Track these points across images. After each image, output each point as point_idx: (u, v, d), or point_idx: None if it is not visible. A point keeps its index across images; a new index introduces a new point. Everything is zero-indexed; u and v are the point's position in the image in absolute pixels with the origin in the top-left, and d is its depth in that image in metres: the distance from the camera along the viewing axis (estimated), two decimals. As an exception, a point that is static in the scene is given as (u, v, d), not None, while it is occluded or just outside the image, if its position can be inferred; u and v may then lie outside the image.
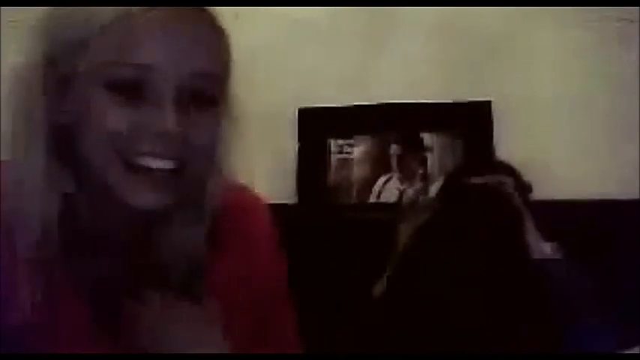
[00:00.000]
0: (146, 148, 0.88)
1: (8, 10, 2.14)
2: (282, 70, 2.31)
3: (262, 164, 2.30)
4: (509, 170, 1.72)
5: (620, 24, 2.06)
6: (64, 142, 0.91)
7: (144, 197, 0.89)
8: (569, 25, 2.15)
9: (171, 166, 0.89)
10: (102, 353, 0.95)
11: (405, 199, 2.18)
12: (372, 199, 2.28)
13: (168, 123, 0.87)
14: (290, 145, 2.33)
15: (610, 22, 2.08)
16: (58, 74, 0.90)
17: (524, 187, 1.70)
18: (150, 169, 0.89)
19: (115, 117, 0.88)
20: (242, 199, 1.07)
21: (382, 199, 2.28)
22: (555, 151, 2.15)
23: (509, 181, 1.67)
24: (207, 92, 0.91)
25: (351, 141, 2.30)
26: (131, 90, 0.88)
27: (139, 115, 0.88)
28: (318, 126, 2.33)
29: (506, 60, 2.22)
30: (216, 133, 0.94)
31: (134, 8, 0.88)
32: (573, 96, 2.17)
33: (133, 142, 0.88)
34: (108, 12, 0.88)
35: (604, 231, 1.98)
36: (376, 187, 2.29)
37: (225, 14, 0.94)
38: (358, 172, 2.29)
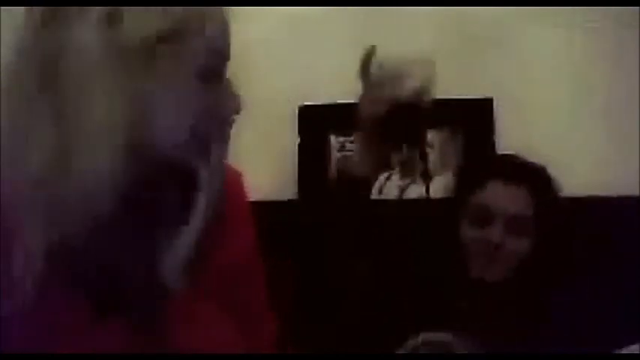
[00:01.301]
0: None
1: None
2: (283, 66, 2.31)
3: (263, 161, 2.30)
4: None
5: (621, 24, 2.06)
6: None
7: None
8: (570, 24, 2.16)
9: None
10: (102, 353, 0.94)
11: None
12: (374, 196, 2.28)
13: (233, 104, 1.04)
14: (291, 141, 2.33)
15: (610, 21, 2.08)
16: None
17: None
18: None
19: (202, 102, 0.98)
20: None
21: (383, 196, 2.28)
22: (556, 148, 2.15)
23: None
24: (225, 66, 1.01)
25: (352, 138, 2.30)
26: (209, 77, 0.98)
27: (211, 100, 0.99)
28: (318, 122, 2.33)
29: (507, 57, 2.22)
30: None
31: None
32: (574, 93, 2.17)
33: None
34: None
35: (604, 228, 1.98)
36: (377, 184, 2.29)
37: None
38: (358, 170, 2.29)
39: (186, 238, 0.97)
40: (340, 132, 2.32)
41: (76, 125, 0.90)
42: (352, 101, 2.34)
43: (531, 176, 1.65)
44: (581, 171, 2.11)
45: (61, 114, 0.90)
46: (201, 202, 0.97)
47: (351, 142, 2.30)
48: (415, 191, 2.27)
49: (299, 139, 2.33)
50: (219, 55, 0.98)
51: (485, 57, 2.22)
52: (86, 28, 0.89)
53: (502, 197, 1.62)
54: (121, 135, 0.91)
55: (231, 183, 1.08)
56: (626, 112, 2.11)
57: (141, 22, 0.91)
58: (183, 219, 0.97)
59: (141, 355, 0.95)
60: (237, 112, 1.00)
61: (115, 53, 0.90)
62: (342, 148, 2.32)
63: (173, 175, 0.98)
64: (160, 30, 0.91)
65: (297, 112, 2.34)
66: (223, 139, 1.01)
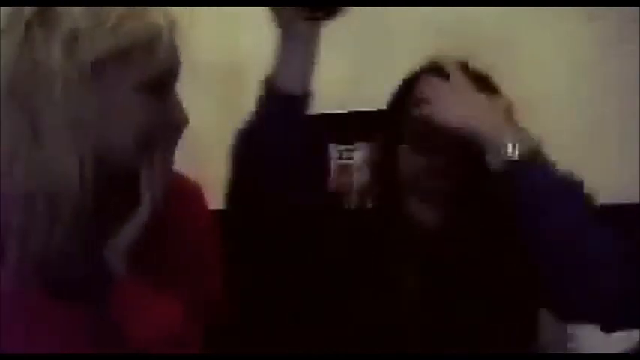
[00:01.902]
0: None
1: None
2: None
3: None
4: None
5: (621, 24, 2.05)
6: None
7: None
8: (572, 23, 2.15)
9: None
10: (102, 353, 1.05)
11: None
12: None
13: (176, 114, 1.14)
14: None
15: (610, 21, 2.07)
16: None
17: None
18: None
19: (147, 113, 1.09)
20: (180, 185, 1.21)
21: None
22: (558, 149, 2.13)
23: None
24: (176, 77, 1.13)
25: (352, 147, 2.30)
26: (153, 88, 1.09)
27: (156, 109, 1.10)
28: (317, 131, 2.32)
29: (508, 60, 2.21)
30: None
31: None
32: (575, 95, 2.17)
33: None
34: None
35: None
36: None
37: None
38: (358, 177, 2.29)
39: (128, 231, 1.09)
40: (339, 141, 2.32)
41: (40, 129, 1.03)
42: (351, 110, 2.35)
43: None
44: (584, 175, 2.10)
45: (30, 121, 1.03)
46: (144, 202, 1.08)
47: (351, 150, 2.30)
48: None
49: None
50: (163, 71, 1.08)
51: (485, 57, 2.21)
52: (52, 46, 1.02)
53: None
54: (77, 139, 1.03)
55: (190, 193, 1.22)
56: (630, 117, 2.11)
57: (94, 40, 1.02)
58: (127, 216, 1.09)
59: (141, 355, 1.04)
60: (184, 125, 1.11)
61: (72, 67, 1.02)
62: (341, 157, 2.32)
63: (120, 177, 1.09)
64: (110, 48, 1.03)
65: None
66: (169, 148, 1.11)
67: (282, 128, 1.19)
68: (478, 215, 1.35)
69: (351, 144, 2.29)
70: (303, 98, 1.22)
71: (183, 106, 1.12)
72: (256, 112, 1.21)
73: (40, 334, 1.05)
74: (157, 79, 1.07)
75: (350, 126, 2.26)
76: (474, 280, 1.32)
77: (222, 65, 2.28)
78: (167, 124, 1.09)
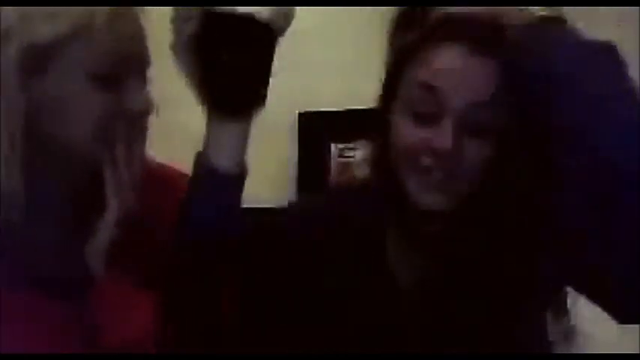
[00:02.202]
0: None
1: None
2: (282, 73, 2.30)
3: (263, 168, 2.29)
4: None
5: (620, 23, 2.05)
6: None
7: None
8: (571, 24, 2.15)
9: None
10: (102, 353, 1.01)
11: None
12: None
13: (134, 103, 1.04)
14: (291, 148, 2.32)
15: (611, 21, 2.08)
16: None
17: None
18: None
19: (101, 104, 1.01)
20: (162, 176, 1.16)
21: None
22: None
23: None
24: (144, 61, 1.04)
25: (352, 144, 2.30)
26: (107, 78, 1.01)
27: (114, 99, 1.02)
28: (318, 130, 2.33)
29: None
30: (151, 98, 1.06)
31: None
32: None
33: None
34: None
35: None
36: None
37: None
38: (359, 175, 2.29)
39: (102, 231, 1.02)
40: (340, 139, 2.32)
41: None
42: (351, 108, 2.36)
43: (500, 40, 1.03)
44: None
45: None
46: (111, 203, 1.02)
47: (351, 148, 2.30)
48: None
49: (298, 146, 2.33)
50: (117, 58, 1.00)
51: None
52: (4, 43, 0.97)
53: (459, 73, 1.04)
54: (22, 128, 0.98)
55: (172, 183, 1.14)
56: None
57: (42, 25, 0.96)
58: (99, 214, 1.03)
59: (141, 355, 1.00)
60: (147, 112, 1.03)
61: (22, 54, 0.96)
62: (341, 154, 2.32)
63: (85, 171, 1.03)
64: (58, 34, 0.96)
65: (297, 119, 2.34)
66: (133, 139, 1.03)
67: (214, 210, 1.07)
68: (493, 195, 1.08)
69: (351, 142, 2.30)
70: (236, 178, 1.08)
71: (148, 92, 1.04)
72: (188, 193, 1.09)
73: (27, 333, 1.02)
74: (109, 67, 1.00)
75: (350, 124, 2.27)
76: (486, 274, 1.10)
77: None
78: (128, 114, 1.02)
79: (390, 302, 1.15)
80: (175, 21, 1.02)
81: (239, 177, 1.08)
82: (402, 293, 1.15)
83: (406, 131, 1.08)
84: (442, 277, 1.12)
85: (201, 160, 1.06)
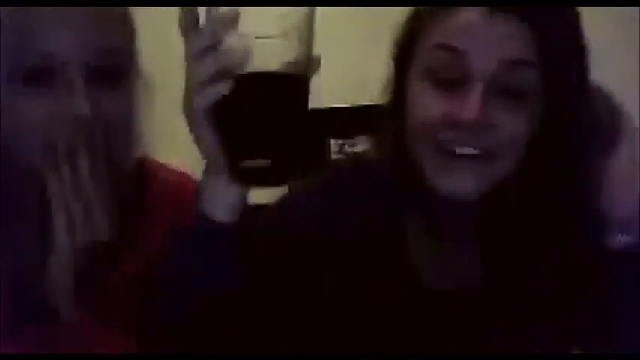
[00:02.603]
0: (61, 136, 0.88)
1: None
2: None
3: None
4: None
5: (621, 23, 2.06)
6: None
7: None
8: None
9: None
10: (102, 353, 0.94)
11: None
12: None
13: (81, 108, 0.87)
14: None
15: (611, 21, 2.08)
16: None
17: None
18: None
19: (34, 108, 0.88)
20: (178, 177, 1.06)
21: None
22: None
23: None
24: (114, 67, 0.91)
25: (352, 140, 2.30)
26: (39, 77, 0.88)
27: (54, 101, 0.88)
28: (318, 126, 2.33)
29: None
30: (129, 105, 0.94)
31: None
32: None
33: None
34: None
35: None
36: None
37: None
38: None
39: (54, 266, 0.88)
40: (340, 135, 2.32)
41: None
42: (352, 104, 2.36)
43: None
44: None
45: None
46: (58, 229, 0.87)
47: (351, 145, 2.30)
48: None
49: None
50: (48, 56, 0.87)
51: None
52: None
53: (485, 33, 0.90)
54: None
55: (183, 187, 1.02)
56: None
57: None
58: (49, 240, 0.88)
59: (140, 355, 0.93)
60: (87, 119, 0.87)
61: None
62: (341, 150, 2.32)
63: (35, 190, 0.89)
64: None
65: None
66: (82, 146, 0.88)
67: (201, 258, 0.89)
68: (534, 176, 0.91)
69: (351, 138, 2.30)
70: (228, 229, 0.89)
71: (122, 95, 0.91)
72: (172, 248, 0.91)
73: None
74: (39, 66, 0.87)
75: (351, 120, 2.27)
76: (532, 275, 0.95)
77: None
78: (69, 120, 0.87)
79: (413, 305, 1.00)
80: (198, 85, 0.82)
81: (236, 226, 0.90)
82: (430, 295, 0.99)
83: (425, 100, 0.92)
84: (480, 279, 0.96)
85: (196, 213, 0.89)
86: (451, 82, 0.90)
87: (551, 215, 0.92)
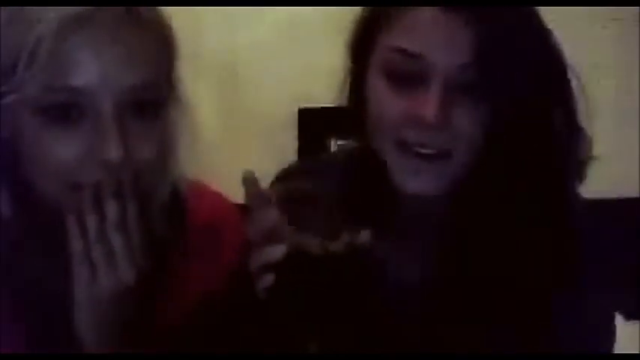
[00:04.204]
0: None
1: None
2: (282, 69, 2.30)
3: (262, 164, 2.29)
4: None
5: (620, 23, 2.05)
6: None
7: None
8: (573, 24, 2.15)
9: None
10: (101, 353, 0.91)
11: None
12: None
13: (112, 152, 0.81)
14: (290, 145, 2.32)
15: (611, 21, 2.08)
16: None
17: None
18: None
19: (61, 146, 0.82)
20: (215, 205, 1.02)
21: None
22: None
23: None
24: (150, 101, 0.86)
25: (352, 140, 2.30)
26: (66, 114, 0.82)
27: (82, 141, 0.83)
28: (317, 126, 2.33)
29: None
30: (166, 139, 0.89)
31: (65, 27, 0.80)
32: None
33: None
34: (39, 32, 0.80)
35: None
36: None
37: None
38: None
39: (77, 307, 0.85)
40: (340, 135, 2.32)
41: None
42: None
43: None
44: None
45: None
46: (80, 272, 0.84)
47: (350, 145, 2.30)
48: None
49: (298, 142, 2.33)
50: (76, 92, 0.82)
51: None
52: None
53: (440, 34, 0.90)
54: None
55: (224, 218, 0.99)
56: (628, 115, 2.12)
57: None
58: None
59: (139, 355, 0.91)
60: (118, 163, 0.82)
61: None
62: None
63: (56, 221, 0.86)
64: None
65: (296, 115, 2.33)
66: (110, 193, 0.83)
67: None
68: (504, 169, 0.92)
69: (351, 138, 2.29)
70: None
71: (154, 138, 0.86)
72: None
73: None
74: (67, 102, 0.82)
75: (351, 120, 2.27)
76: (498, 271, 0.94)
77: (222, 58, 2.28)
78: (107, 165, 0.82)
79: (377, 304, 0.97)
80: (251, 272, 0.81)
81: None
82: (395, 293, 0.98)
83: (383, 98, 0.94)
84: (446, 275, 0.96)
85: None
86: (409, 81, 0.92)
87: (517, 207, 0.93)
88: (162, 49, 0.88)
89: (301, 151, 2.33)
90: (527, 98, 0.91)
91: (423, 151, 0.93)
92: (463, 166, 0.94)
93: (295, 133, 2.33)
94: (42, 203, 0.87)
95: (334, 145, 2.32)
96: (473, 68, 0.91)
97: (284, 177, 1.08)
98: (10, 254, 0.90)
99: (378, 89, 0.95)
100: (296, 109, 2.33)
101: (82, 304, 0.84)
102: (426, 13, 0.92)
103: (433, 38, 0.91)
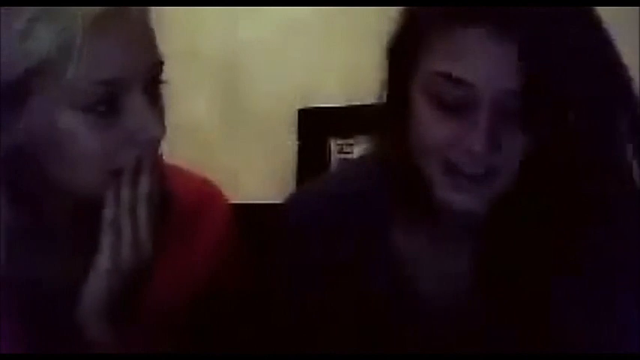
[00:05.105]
0: None
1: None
2: (282, 69, 2.31)
3: (262, 164, 2.30)
4: None
5: (621, 24, 2.05)
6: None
7: None
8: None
9: None
10: (102, 353, 0.93)
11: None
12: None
13: (156, 129, 0.91)
14: (290, 145, 2.32)
15: (610, 21, 2.08)
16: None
17: None
18: None
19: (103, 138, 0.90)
20: (202, 192, 1.06)
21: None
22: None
23: None
24: (158, 79, 0.94)
25: (351, 140, 2.30)
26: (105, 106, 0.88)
27: (118, 130, 0.90)
28: (318, 126, 2.33)
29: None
30: (164, 116, 0.96)
31: None
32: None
33: None
34: None
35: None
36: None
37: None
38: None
39: (92, 282, 0.90)
40: (340, 135, 2.32)
41: None
42: (351, 104, 2.35)
43: (524, 21, 0.89)
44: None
45: None
46: (103, 248, 0.89)
47: (351, 144, 2.30)
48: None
49: (298, 143, 2.33)
50: (111, 84, 0.87)
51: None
52: None
53: (487, 60, 0.90)
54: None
55: (210, 206, 1.03)
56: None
57: (11, 58, 0.84)
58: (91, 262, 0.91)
59: (140, 355, 0.93)
60: (160, 139, 0.91)
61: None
62: (341, 150, 2.32)
63: (83, 211, 0.92)
64: (29, 65, 0.84)
65: (296, 115, 2.34)
66: (147, 167, 0.90)
67: None
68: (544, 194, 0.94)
69: (350, 138, 2.30)
70: None
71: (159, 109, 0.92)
72: None
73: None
74: (101, 92, 0.87)
75: (350, 120, 2.27)
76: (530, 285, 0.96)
77: (222, 58, 2.29)
78: (137, 144, 0.89)
79: (403, 308, 1.01)
80: None
81: None
82: (421, 302, 1.01)
83: (431, 122, 0.93)
84: (478, 286, 0.98)
85: None
86: (455, 105, 0.92)
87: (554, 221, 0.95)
88: (153, 30, 0.95)
89: (301, 151, 2.33)
90: (589, 113, 0.92)
91: (471, 171, 0.93)
92: (506, 184, 0.95)
93: (295, 133, 2.33)
94: (58, 191, 0.90)
95: (334, 145, 2.32)
96: (521, 95, 0.90)
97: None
98: (10, 254, 0.92)
99: (421, 110, 0.95)
100: (296, 110, 2.33)
101: (98, 276, 0.89)
102: (471, 36, 0.91)
103: (479, 64, 0.90)
